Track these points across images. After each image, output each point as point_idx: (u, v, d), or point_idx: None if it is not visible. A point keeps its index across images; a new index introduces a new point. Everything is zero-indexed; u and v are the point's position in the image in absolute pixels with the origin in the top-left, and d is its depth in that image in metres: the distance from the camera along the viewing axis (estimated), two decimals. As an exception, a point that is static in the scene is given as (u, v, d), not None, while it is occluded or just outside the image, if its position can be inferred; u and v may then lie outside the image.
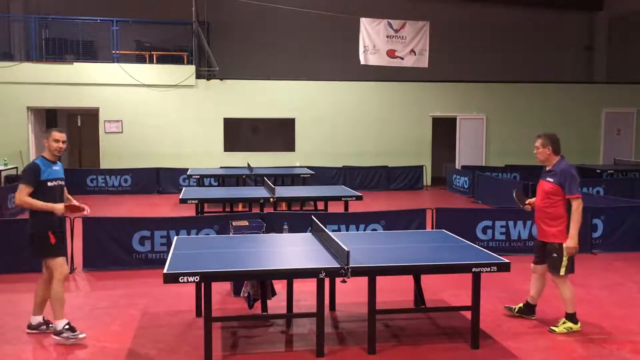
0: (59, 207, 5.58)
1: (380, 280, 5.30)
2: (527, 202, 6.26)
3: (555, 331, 5.83)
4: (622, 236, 9.46)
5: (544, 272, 6.11)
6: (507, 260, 5.37)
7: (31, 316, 5.86)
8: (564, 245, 5.77)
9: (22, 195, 5.52)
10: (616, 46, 21.10)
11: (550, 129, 19.63)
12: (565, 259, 5.78)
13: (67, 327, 5.57)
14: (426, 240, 6.64)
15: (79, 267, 8.21)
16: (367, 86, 18.81)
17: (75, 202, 5.78)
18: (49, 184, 5.63)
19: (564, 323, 5.87)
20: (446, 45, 19.03)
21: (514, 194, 6.36)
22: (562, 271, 5.80)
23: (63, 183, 5.87)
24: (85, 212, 5.74)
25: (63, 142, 5.73)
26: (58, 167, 5.79)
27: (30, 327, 5.84)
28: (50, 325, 5.83)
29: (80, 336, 5.57)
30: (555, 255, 5.82)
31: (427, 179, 18.40)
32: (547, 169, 6.02)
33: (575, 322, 5.87)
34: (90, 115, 18.06)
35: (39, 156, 5.76)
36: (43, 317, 5.88)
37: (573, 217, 5.75)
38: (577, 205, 5.75)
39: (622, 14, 20.73)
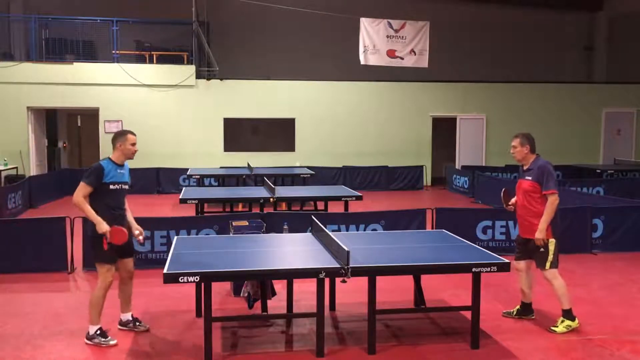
0: (104, 227, 5.40)
1: (380, 280, 5.31)
2: (510, 202, 6.32)
3: (555, 331, 5.84)
4: (622, 236, 9.46)
5: (527, 268, 6.18)
6: (507, 260, 5.38)
7: (121, 314, 5.95)
8: (535, 236, 5.87)
9: (79, 193, 5.46)
10: (616, 46, 21.08)
11: (550, 129, 19.88)
12: (551, 254, 5.85)
13: (98, 332, 5.55)
14: (426, 240, 6.64)
15: (79, 267, 8.21)
16: (367, 86, 18.80)
17: (124, 229, 5.55)
18: (112, 187, 5.57)
19: (562, 322, 5.89)
20: (446, 45, 19.02)
21: (502, 194, 6.43)
22: (548, 265, 5.87)
23: (127, 187, 5.79)
24: (141, 238, 5.81)
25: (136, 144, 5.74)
26: (124, 171, 5.73)
27: (120, 323, 5.94)
28: (138, 323, 5.93)
29: (112, 342, 5.54)
30: (542, 250, 5.89)
31: (427, 179, 18.40)
32: (525, 167, 6.10)
33: (573, 319, 5.90)
34: (90, 115, 18.06)
35: (106, 157, 5.70)
36: (132, 315, 5.97)
37: (546, 210, 5.82)
38: (552, 200, 5.82)
39: (622, 14, 20.72)
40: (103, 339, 5.54)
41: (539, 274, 6.02)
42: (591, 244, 9.38)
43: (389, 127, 18.87)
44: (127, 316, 5.96)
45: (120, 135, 5.73)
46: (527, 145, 6.01)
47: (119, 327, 5.94)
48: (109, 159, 5.69)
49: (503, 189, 6.51)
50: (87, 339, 5.57)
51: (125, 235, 5.55)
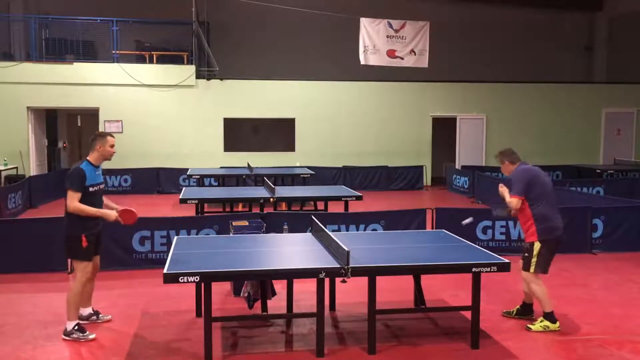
0: (111, 214, 5.63)
1: (380, 280, 5.31)
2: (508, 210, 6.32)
3: (531, 329, 5.86)
4: (622, 236, 9.46)
5: None
6: (507, 260, 5.38)
7: (81, 308, 5.98)
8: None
9: (75, 202, 5.54)
10: (616, 46, 21.08)
11: (550, 129, 19.92)
12: (534, 258, 5.87)
13: (76, 328, 5.62)
14: (426, 240, 6.64)
15: (79, 267, 8.20)
16: (367, 86, 18.80)
17: (127, 208, 5.75)
18: (91, 189, 5.67)
19: (541, 321, 5.91)
20: (446, 45, 19.01)
21: (495, 214, 6.55)
22: (532, 269, 5.90)
23: (103, 187, 5.91)
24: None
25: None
26: (100, 172, 5.83)
27: (80, 318, 5.95)
28: (101, 315, 6.11)
29: (90, 337, 5.61)
30: (526, 254, 5.94)
31: (427, 179, 18.40)
32: None
33: (554, 322, 5.89)
34: (90, 115, 18.05)
35: (83, 160, 5.74)
36: (92, 308, 6.09)
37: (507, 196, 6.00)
38: (511, 201, 5.93)
39: (622, 13, 20.72)
40: (82, 334, 5.60)
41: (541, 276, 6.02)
42: (591, 244, 9.38)
43: (389, 127, 18.88)
44: (88, 310, 6.06)
45: (100, 137, 5.79)
46: (506, 161, 6.16)
47: (80, 322, 5.90)
48: (87, 161, 5.73)
49: (494, 211, 6.74)
50: (65, 334, 5.62)
51: (135, 214, 5.74)
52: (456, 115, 19.19)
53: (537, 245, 5.87)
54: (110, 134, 5.89)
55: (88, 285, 5.95)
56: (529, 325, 5.91)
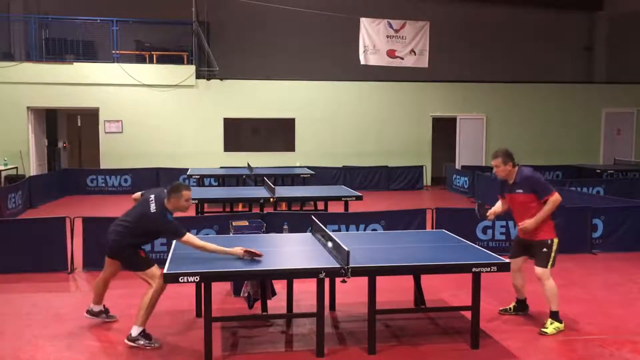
0: (238, 252, 5.42)
1: (380, 280, 5.31)
2: (488, 213, 6.38)
3: (547, 333, 5.83)
4: (622, 236, 9.45)
5: (520, 267, 6.20)
6: (507, 260, 5.40)
7: (92, 304, 6.16)
8: (524, 222, 5.93)
9: (196, 241, 5.52)
10: (616, 46, 21.06)
11: (550, 129, 19.90)
12: (553, 254, 5.89)
13: (142, 334, 5.50)
14: (426, 240, 6.64)
15: (79, 267, 8.20)
16: (367, 86, 18.80)
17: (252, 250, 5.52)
18: None
19: (552, 323, 5.90)
20: (446, 45, 19.00)
21: (476, 209, 6.52)
22: (550, 265, 5.91)
23: None
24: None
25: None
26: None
27: (90, 312, 6.12)
28: (110, 314, 6.19)
29: (156, 345, 5.48)
30: (545, 250, 5.92)
31: (427, 179, 18.40)
32: (511, 182, 6.10)
33: (561, 321, 5.92)
34: (90, 115, 18.06)
35: (163, 209, 5.61)
36: (103, 305, 6.16)
37: (546, 206, 5.84)
38: (554, 200, 5.85)
39: (622, 13, 20.71)
40: (148, 341, 5.48)
41: (531, 271, 6.02)
42: (591, 244, 9.38)
43: (389, 127, 18.88)
44: (99, 307, 6.14)
45: (175, 192, 5.67)
46: (510, 162, 6.03)
47: (87, 315, 6.11)
48: (167, 209, 5.65)
49: (477, 203, 6.68)
50: (129, 340, 5.49)
51: (257, 254, 5.52)
52: (456, 115, 19.19)
53: (556, 241, 5.91)
54: (187, 188, 5.70)
55: (107, 285, 6.11)
56: (544, 330, 5.86)
